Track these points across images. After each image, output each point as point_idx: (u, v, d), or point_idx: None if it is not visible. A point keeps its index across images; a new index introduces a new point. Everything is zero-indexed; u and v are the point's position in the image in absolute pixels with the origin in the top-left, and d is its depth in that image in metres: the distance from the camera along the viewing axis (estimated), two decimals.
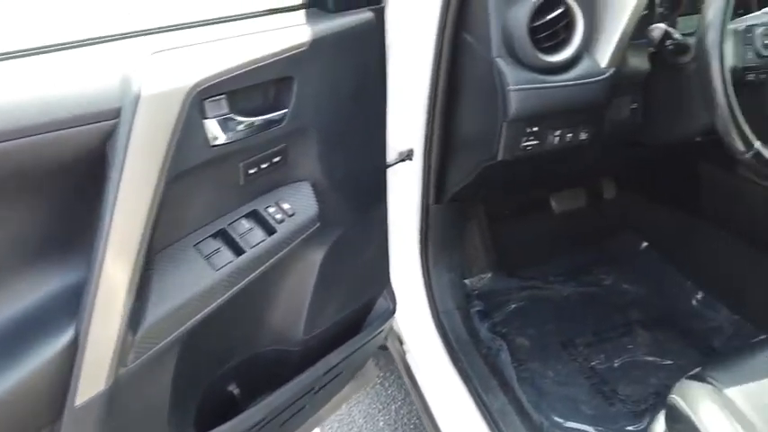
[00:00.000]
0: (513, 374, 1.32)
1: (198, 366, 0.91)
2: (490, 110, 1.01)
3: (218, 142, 0.75)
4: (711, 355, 1.38)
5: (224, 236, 0.81)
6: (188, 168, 0.72)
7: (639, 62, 1.02)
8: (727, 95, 0.81)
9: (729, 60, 0.81)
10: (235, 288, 0.82)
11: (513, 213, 1.68)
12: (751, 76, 0.83)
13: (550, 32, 0.95)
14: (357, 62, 0.92)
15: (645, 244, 1.69)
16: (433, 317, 1.35)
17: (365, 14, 0.91)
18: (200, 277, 0.78)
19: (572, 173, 1.47)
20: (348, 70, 0.91)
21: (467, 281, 1.60)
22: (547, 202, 1.63)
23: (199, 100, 0.71)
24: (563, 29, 0.96)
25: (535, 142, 1.02)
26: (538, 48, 0.95)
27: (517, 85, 0.95)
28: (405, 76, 1.15)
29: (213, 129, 0.74)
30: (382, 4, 0.96)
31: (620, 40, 0.96)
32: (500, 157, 1.04)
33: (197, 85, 0.70)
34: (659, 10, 1.08)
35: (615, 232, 1.72)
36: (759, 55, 0.82)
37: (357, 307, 1.19)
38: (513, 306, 1.56)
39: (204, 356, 0.92)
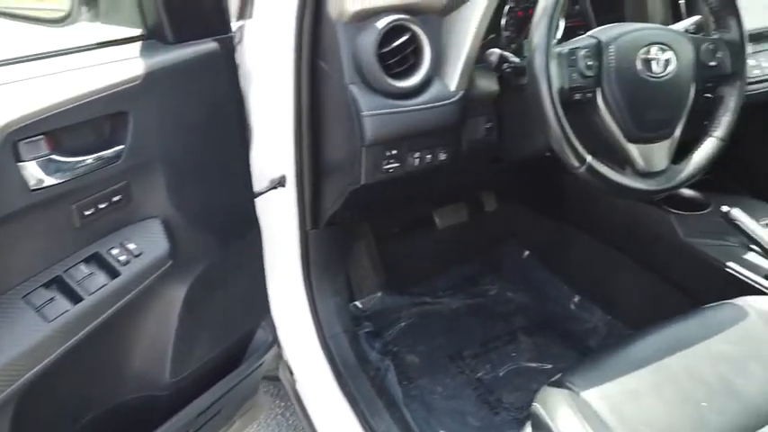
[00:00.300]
0: (400, 394, 1.33)
1: (44, 424, 0.84)
2: (350, 135, 1.01)
3: (40, 185, 0.71)
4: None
5: (59, 284, 0.76)
6: (3, 216, 0.67)
7: (488, 84, 1.06)
8: (557, 115, 0.86)
9: (556, 82, 0.86)
10: (75, 338, 0.77)
11: (401, 231, 1.70)
12: (578, 96, 0.89)
13: (399, 58, 0.97)
14: (203, 93, 0.91)
15: (526, 252, 1.76)
16: (321, 343, 1.34)
17: (209, 45, 0.89)
18: (31, 331, 0.72)
19: (449, 189, 1.52)
20: (193, 102, 0.89)
21: (357, 302, 1.60)
22: (431, 219, 1.67)
23: (11, 142, 0.66)
24: (412, 54, 0.99)
25: (396, 165, 1.04)
26: (388, 74, 0.97)
27: (370, 110, 0.96)
28: (269, 104, 1.14)
29: (33, 171, 0.70)
30: (229, 34, 0.95)
31: (466, 64, 1.00)
32: (363, 181, 1.04)
33: (6, 126, 0.65)
34: (506, 33, 1.14)
35: (498, 243, 1.78)
36: (583, 75, 0.88)
37: (233, 341, 1.15)
38: (404, 324, 1.57)
39: (53, 413, 0.86)
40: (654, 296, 1.41)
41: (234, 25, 1.09)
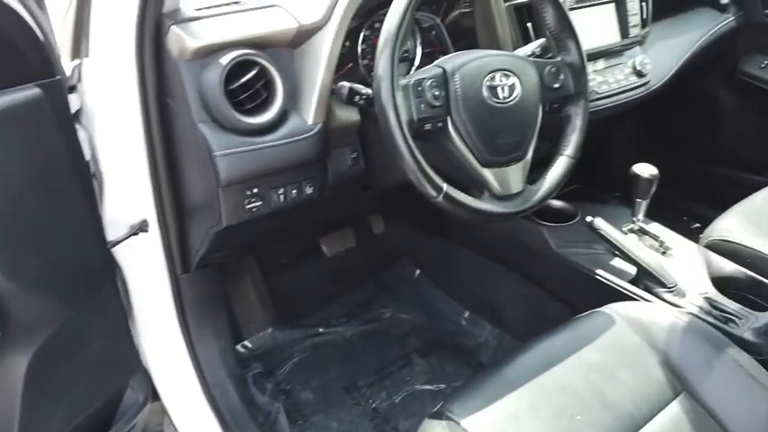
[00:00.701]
0: None
1: None
2: (206, 175, 0.96)
3: None
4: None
5: None
6: None
7: (349, 114, 1.04)
8: (408, 147, 0.85)
9: (405, 114, 0.86)
10: None
11: (289, 261, 1.65)
12: (428, 126, 0.89)
13: (250, 94, 0.94)
14: (29, 145, 0.82)
15: (417, 271, 1.77)
16: (204, 392, 1.26)
17: (30, 92, 0.81)
18: None
19: (330, 218, 1.49)
20: (17, 156, 0.80)
21: (246, 342, 1.53)
22: (319, 247, 1.63)
23: None
24: (263, 89, 0.95)
25: (258, 203, 1.00)
26: (239, 110, 0.93)
27: (222, 150, 0.92)
28: (119, 146, 1.06)
29: None
30: (57, 77, 0.87)
31: (320, 96, 0.97)
32: (225, 223, 0.99)
33: None
34: (363, 62, 1.14)
35: (390, 264, 1.78)
36: (431, 105, 0.88)
37: (98, 407, 1.05)
38: (297, 359, 1.52)
39: None
40: (536, 307, 1.45)
41: (68, 65, 1.01)
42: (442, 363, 1.51)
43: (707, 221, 1.82)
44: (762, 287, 1.18)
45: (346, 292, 1.70)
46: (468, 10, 1.16)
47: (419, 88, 0.88)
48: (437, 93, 0.89)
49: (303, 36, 0.97)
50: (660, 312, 1.03)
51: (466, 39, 1.18)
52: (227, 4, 1.00)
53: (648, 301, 1.16)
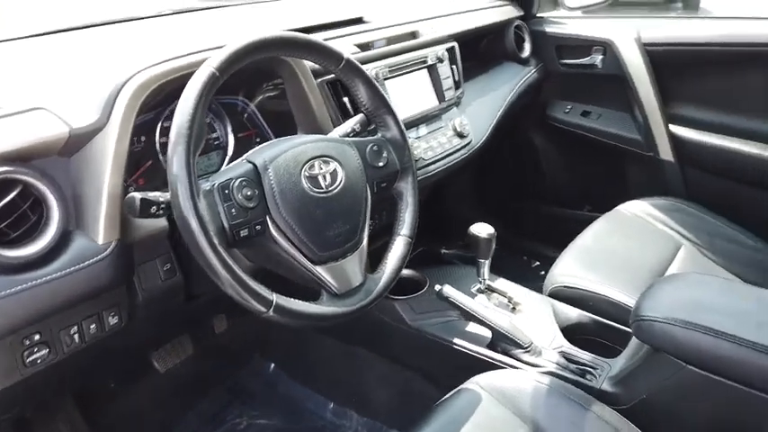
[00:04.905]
0: None
1: None
2: None
3: None
4: None
5: None
6: None
7: (152, 221, 0.88)
8: (223, 261, 0.72)
9: (212, 224, 0.73)
10: None
11: (117, 385, 1.40)
12: (245, 232, 0.77)
13: (14, 219, 0.75)
14: None
15: (272, 366, 1.60)
16: None
17: None
18: None
19: (157, 334, 1.28)
20: None
21: None
22: (150, 364, 1.40)
23: None
24: (33, 210, 0.76)
25: (44, 352, 0.80)
26: (1, 243, 0.73)
27: None
28: None
29: None
30: None
31: (110, 208, 0.80)
32: (1, 387, 0.77)
33: None
34: (165, 157, 0.99)
35: (239, 364, 1.59)
36: (244, 208, 0.76)
37: None
38: None
39: None
40: (402, 387, 1.36)
41: None
42: None
43: (545, 259, 1.92)
44: (607, 330, 1.20)
45: (192, 408, 1.47)
46: (274, 93, 1.07)
47: (226, 191, 0.76)
48: (249, 192, 0.77)
49: (78, 142, 0.80)
50: (521, 378, 1.01)
51: (283, 120, 1.09)
52: None
53: (508, 365, 1.13)
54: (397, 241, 0.94)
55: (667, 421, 0.95)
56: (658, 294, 0.98)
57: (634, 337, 1.15)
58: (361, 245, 0.88)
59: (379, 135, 0.96)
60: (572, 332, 1.21)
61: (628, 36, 1.66)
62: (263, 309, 0.75)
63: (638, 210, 1.52)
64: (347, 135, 0.97)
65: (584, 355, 1.13)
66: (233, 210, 0.75)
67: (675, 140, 1.66)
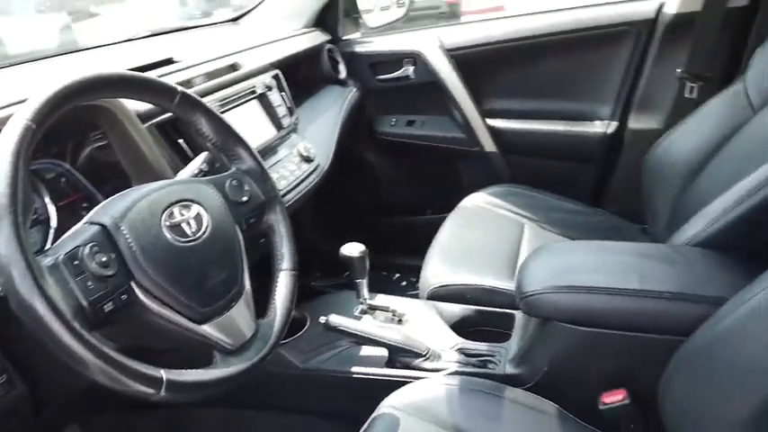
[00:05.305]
0: None
1: None
2: None
3: None
4: None
5: None
6: None
7: None
8: (90, 347, 0.58)
9: (66, 304, 0.59)
10: None
11: None
12: (109, 306, 0.64)
13: None
14: None
15: None
16: None
17: None
18: None
19: None
20: None
21: None
22: None
23: None
24: None
25: None
26: None
27: None
28: None
29: None
30: None
31: None
32: None
33: None
34: None
35: None
36: (101, 278, 0.63)
37: None
38: None
39: None
40: None
41: None
42: None
43: (406, 269, 1.95)
44: (492, 316, 1.23)
45: None
46: (102, 143, 0.92)
47: (75, 262, 0.62)
48: (104, 258, 0.64)
49: None
50: (431, 387, 0.99)
51: (114, 177, 0.94)
52: None
53: (413, 377, 1.10)
54: (281, 277, 0.86)
55: (572, 386, 1.00)
56: (533, 269, 1.02)
57: (519, 316, 1.21)
58: (244, 290, 0.78)
59: (234, 169, 0.88)
60: (461, 327, 1.22)
61: (432, 45, 1.77)
62: (151, 390, 0.62)
63: (478, 201, 1.61)
64: (196, 177, 0.87)
65: (480, 346, 1.15)
66: (89, 283, 0.62)
67: (494, 133, 1.80)
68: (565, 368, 1.00)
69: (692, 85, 1.50)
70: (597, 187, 1.77)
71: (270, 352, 0.78)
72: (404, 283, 1.97)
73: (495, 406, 0.98)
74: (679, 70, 1.51)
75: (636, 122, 1.64)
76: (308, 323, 1.26)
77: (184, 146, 1.01)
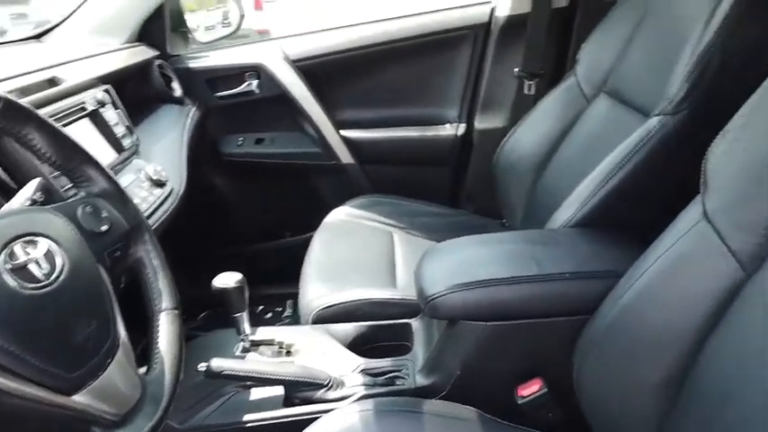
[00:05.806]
0: None
1: None
2: None
3: None
4: None
5: None
6: None
7: None
8: None
9: None
10: None
11: None
12: None
13: None
14: None
15: None
16: None
17: None
18: None
19: None
20: None
21: None
22: None
23: None
24: None
25: None
26: None
27: None
28: None
29: None
30: None
31: None
32: None
33: None
34: None
35: None
36: None
37: None
38: None
39: None
40: None
41: None
42: None
43: (270, 298, 1.80)
44: (386, 329, 1.17)
45: None
46: None
47: None
48: None
49: None
50: (341, 418, 0.90)
51: None
52: None
53: (318, 411, 0.98)
54: (162, 319, 0.70)
55: (487, 386, 0.96)
56: (432, 271, 0.98)
57: (416, 324, 1.15)
58: (120, 342, 0.61)
59: (83, 194, 0.70)
60: (357, 346, 1.13)
61: (275, 56, 1.68)
62: None
63: (342, 216, 1.55)
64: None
65: (383, 363, 1.07)
66: None
67: (349, 144, 1.75)
68: (477, 369, 0.96)
69: (530, 82, 1.60)
70: (453, 189, 1.81)
71: (164, 415, 0.62)
72: (268, 315, 1.82)
73: (415, 423, 0.90)
74: (516, 69, 1.60)
75: (482, 123, 1.70)
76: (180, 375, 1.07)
77: (3, 175, 0.79)
